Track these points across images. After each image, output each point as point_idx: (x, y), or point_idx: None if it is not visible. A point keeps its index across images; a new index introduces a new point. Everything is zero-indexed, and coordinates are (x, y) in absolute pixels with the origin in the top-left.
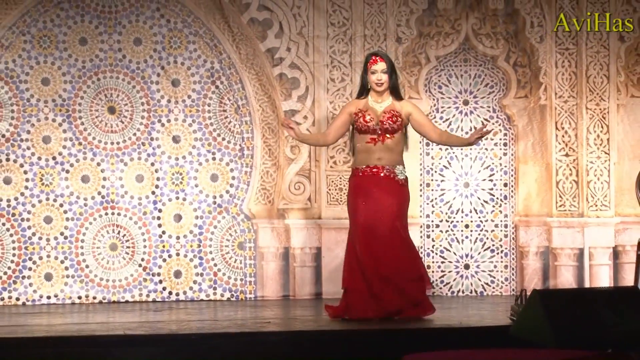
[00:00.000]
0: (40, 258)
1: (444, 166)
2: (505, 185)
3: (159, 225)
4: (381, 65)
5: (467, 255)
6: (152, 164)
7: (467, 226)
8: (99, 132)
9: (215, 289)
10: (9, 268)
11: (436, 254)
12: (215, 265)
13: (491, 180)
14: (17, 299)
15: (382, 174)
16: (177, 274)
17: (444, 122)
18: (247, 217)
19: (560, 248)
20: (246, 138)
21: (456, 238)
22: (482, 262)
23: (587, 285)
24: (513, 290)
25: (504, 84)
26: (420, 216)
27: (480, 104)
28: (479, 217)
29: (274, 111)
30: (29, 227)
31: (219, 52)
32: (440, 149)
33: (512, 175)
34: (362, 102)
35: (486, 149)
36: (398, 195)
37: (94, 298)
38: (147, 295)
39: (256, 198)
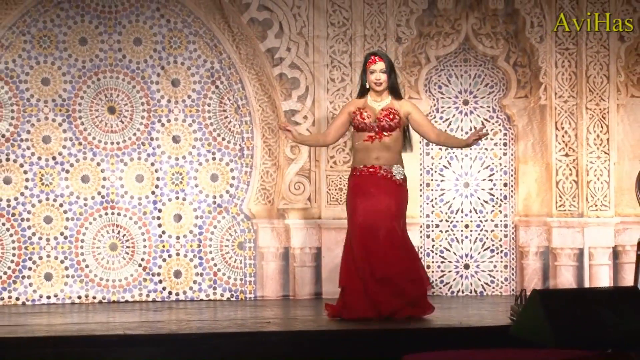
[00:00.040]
0: (40, 258)
1: (444, 166)
2: (505, 185)
3: (159, 225)
4: (380, 65)
5: (467, 255)
6: (152, 164)
7: (467, 226)
8: (99, 132)
9: (215, 289)
10: (9, 268)
11: (436, 254)
12: (215, 265)
13: (491, 180)
14: (17, 299)
15: (379, 174)
16: (177, 274)
17: (443, 122)
18: (247, 217)
19: (560, 248)
20: (246, 138)
21: (456, 238)
22: (482, 262)
23: (587, 285)
24: (513, 290)
25: (504, 84)
26: (420, 216)
27: (480, 104)
28: (479, 217)
29: (274, 111)
30: (29, 227)
31: (219, 52)
32: (440, 149)
33: (512, 175)
34: (362, 101)
35: (486, 149)
36: (396, 195)
37: (94, 298)
38: (147, 295)
39: (256, 198)
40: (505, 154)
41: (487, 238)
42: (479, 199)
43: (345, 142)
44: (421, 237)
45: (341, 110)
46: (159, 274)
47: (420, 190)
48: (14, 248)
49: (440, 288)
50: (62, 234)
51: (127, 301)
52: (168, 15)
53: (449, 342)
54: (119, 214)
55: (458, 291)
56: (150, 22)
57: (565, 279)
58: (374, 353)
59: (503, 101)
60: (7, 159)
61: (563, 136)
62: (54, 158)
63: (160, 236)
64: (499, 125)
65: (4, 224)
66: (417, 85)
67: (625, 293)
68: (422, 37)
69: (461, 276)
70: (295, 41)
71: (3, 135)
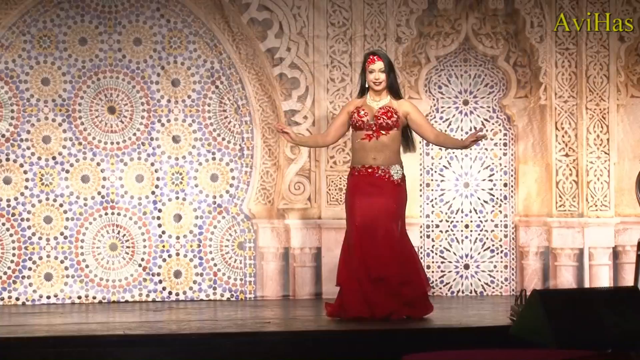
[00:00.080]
0: (40, 258)
1: (444, 166)
2: (505, 185)
3: (159, 225)
4: (379, 65)
5: (467, 256)
6: (152, 164)
7: (467, 226)
8: (99, 132)
9: (215, 289)
10: (9, 268)
11: (436, 254)
12: (215, 265)
13: (491, 181)
14: (17, 299)
15: (377, 174)
16: (177, 274)
17: (443, 122)
18: (247, 217)
19: (560, 248)
20: (246, 138)
21: (456, 238)
22: (482, 262)
23: (587, 285)
24: (513, 290)
25: (504, 84)
26: (420, 216)
27: (480, 104)
28: (479, 217)
29: (274, 111)
30: (29, 227)
31: (219, 52)
32: (440, 149)
33: (512, 176)
34: (361, 100)
35: (486, 149)
36: (394, 196)
37: (94, 298)
38: (147, 295)
39: (256, 198)
40: (505, 154)
41: (487, 238)
42: (479, 199)
43: (345, 142)
44: (421, 237)
45: (341, 110)
46: (159, 274)
47: (420, 190)
48: (13, 248)
49: (440, 288)
50: (62, 234)
51: (127, 301)
52: (168, 15)
53: (449, 342)
54: (119, 214)
55: (458, 291)
56: (150, 22)
57: (565, 279)
58: (374, 353)
59: (503, 101)
60: (7, 159)
61: (563, 136)
62: (54, 158)
63: (160, 236)
64: (499, 125)
65: (4, 224)
66: (417, 85)
67: (625, 293)
68: (422, 37)
69: (461, 276)
70: (295, 41)
71: (3, 135)
